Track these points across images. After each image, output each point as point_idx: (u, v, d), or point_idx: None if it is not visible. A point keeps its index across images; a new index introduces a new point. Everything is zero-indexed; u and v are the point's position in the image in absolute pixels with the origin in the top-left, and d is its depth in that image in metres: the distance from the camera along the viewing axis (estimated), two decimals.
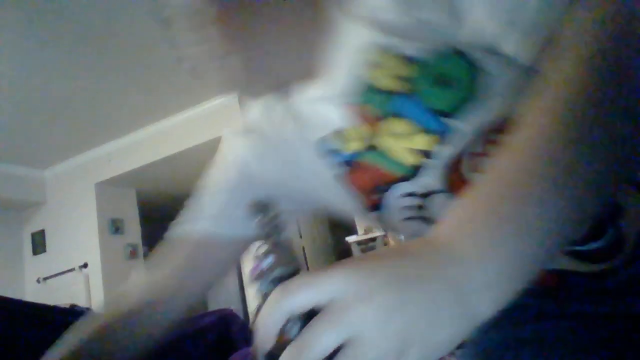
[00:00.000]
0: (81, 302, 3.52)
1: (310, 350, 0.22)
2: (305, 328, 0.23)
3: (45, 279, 4.27)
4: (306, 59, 0.50)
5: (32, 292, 4.25)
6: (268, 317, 0.24)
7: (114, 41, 2.79)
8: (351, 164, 0.49)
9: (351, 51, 0.45)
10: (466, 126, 0.41)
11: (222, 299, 4.68)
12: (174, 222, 0.60)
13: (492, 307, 0.23)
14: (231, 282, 4.88)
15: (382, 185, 0.48)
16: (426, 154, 0.43)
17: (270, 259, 0.28)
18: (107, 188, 4.42)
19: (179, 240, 0.58)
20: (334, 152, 0.51)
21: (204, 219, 0.57)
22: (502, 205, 0.24)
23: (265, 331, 0.25)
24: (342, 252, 4.71)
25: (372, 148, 0.47)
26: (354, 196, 0.51)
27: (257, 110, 0.59)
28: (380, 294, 0.23)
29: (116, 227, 4.39)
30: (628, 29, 0.27)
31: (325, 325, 0.22)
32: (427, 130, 0.42)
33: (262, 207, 0.30)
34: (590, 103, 0.26)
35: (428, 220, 0.47)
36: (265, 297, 0.26)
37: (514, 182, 0.25)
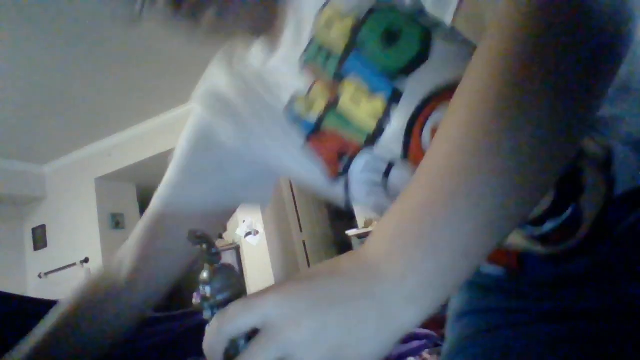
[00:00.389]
0: None
1: None
2: (242, 351, 0.25)
3: (46, 274, 4.30)
4: (263, 14, 0.50)
5: (34, 288, 4.28)
6: (211, 344, 0.26)
7: (113, 36, 2.78)
8: (315, 131, 0.48)
9: (311, 8, 0.45)
10: (415, 88, 0.40)
11: None
12: None
13: (415, 318, 0.25)
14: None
15: (346, 154, 0.47)
16: (380, 118, 0.42)
17: (209, 287, 0.29)
18: (107, 183, 4.43)
19: (141, 221, 0.60)
20: (299, 119, 0.49)
21: (158, 195, 0.59)
22: (423, 218, 0.25)
23: (211, 357, 0.27)
24: (342, 246, 4.72)
25: (332, 113, 0.46)
26: (321, 168, 0.50)
27: (224, 77, 0.58)
28: (306, 317, 0.25)
29: (116, 221, 4.40)
30: (560, 19, 0.26)
31: (258, 348, 0.24)
32: (376, 92, 0.42)
33: (201, 237, 0.31)
34: (514, 99, 0.25)
35: (391, 194, 0.46)
36: (207, 324, 0.28)
37: (435, 193, 0.25)
